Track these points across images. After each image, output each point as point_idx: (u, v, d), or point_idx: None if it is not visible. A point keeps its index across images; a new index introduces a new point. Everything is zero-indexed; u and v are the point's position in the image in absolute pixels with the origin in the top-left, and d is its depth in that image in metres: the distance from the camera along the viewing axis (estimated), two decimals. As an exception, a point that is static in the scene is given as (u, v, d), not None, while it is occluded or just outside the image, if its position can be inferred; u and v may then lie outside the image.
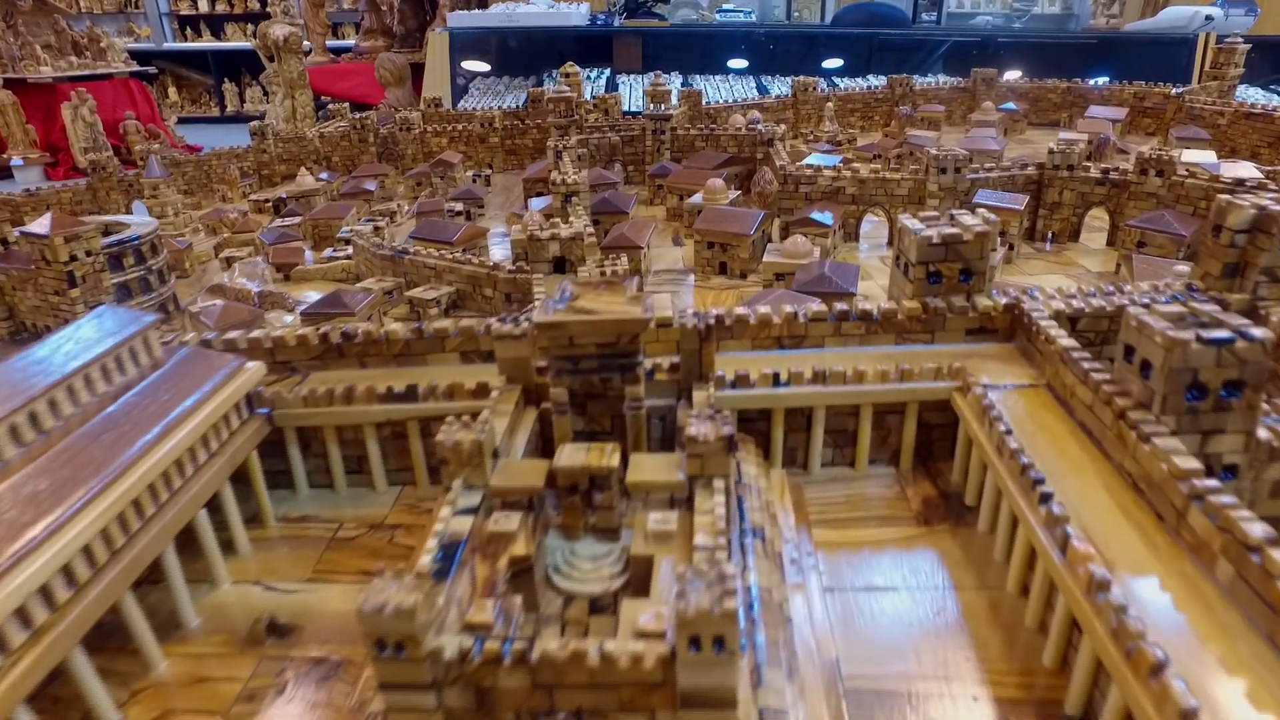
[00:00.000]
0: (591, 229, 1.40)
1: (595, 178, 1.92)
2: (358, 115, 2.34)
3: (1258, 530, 0.51)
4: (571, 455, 0.58)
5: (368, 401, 0.77)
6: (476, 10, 3.90)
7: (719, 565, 0.42)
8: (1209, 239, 0.90)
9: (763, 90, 3.83)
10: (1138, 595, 0.54)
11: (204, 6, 6.07)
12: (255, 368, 0.76)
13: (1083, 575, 0.53)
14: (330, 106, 2.58)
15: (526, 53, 4.03)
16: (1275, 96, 3.59)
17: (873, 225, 1.73)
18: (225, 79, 5.99)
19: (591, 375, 0.62)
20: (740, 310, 0.87)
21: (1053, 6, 7.36)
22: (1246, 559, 0.51)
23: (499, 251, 1.73)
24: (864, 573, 0.69)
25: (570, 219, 1.24)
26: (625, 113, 2.29)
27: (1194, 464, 0.58)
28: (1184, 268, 1.26)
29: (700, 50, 4.28)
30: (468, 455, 0.57)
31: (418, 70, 3.88)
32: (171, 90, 5.99)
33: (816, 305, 0.86)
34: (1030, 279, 1.52)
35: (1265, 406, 0.71)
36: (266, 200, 2.19)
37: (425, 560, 0.52)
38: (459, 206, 1.87)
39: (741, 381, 0.78)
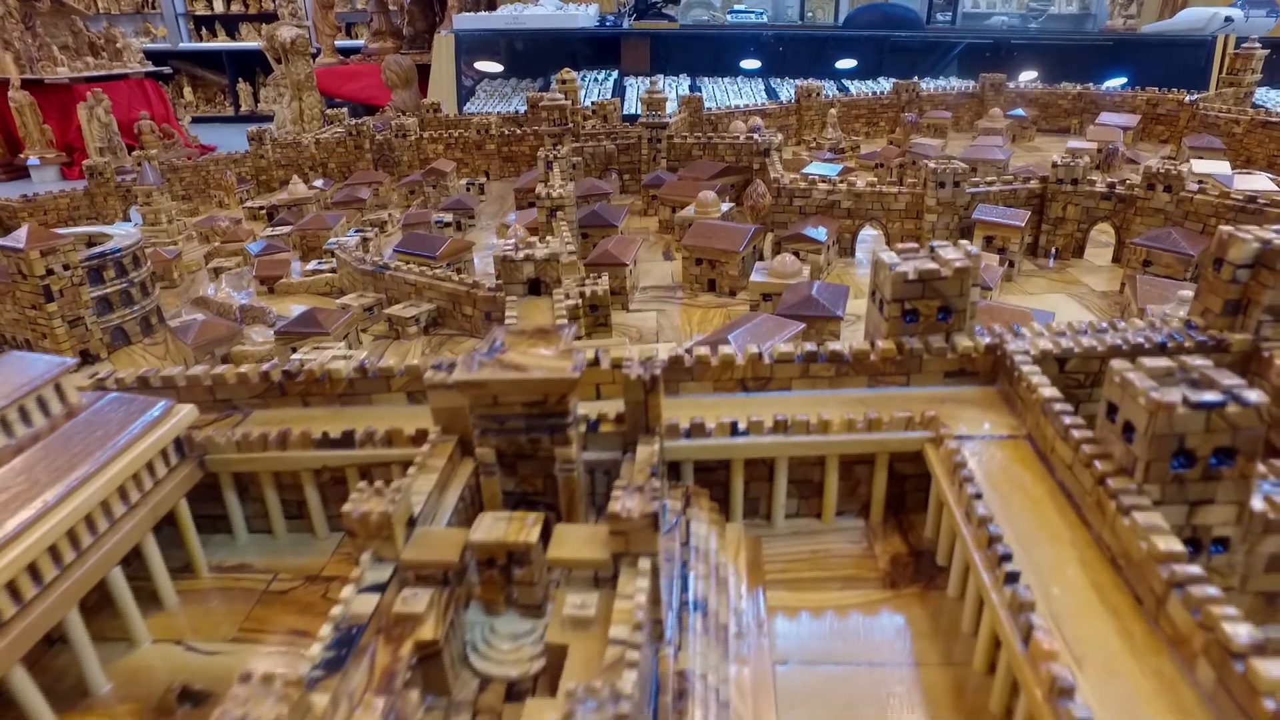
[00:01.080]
0: (572, 246, 1.35)
1: (587, 188, 1.86)
2: (354, 121, 2.30)
3: (1243, 634, 0.45)
4: (489, 528, 0.53)
5: (303, 447, 0.73)
6: (483, 12, 3.84)
7: (614, 684, 0.37)
8: (1209, 272, 0.83)
9: (771, 93, 3.76)
10: (1107, 696, 0.48)
11: (219, 7, 6.05)
12: (186, 411, 0.71)
13: (1045, 676, 0.47)
14: (328, 112, 2.54)
15: (533, 55, 3.98)
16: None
17: (872, 238, 1.66)
18: (240, 79, 5.98)
19: (519, 435, 0.57)
20: (702, 350, 0.81)
21: (1069, 7, 7.21)
22: (1229, 666, 0.45)
23: (485, 265, 1.68)
24: (820, 644, 0.64)
25: (549, 237, 1.19)
26: (628, 117, 2.23)
27: (1176, 546, 0.52)
28: (1188, 292, 1.19)
29: (709, 52, 4.21)
30: (376, 528, 0.51)
31: (426, 72, 3.84)
32: (187, 90, 5.98)
33: (785, 345, 0.80)
34: (1031, 298, 1.45)
35: (1262, 469, 0.64)
36: (261, 207, 2.16)
37: (316, 649, 0.47)
38: (448, 217, 1.83)
39: (697, 430, 0.72)
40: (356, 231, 1.75)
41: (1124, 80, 3.82)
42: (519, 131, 2.28)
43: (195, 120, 5.38)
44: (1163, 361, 0.59)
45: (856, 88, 3.86)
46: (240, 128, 3.07)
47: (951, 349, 0.77)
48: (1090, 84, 3.80)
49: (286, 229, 1.87)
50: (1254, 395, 0.55)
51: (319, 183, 2.15)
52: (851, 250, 1.61)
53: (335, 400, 0.80)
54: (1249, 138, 2.21)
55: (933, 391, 0.79)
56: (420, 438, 0.71)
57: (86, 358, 1.39)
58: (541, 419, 0.56)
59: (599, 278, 1.32)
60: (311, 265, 1.70)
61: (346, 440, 0.72)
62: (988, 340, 0.77)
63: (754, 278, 1.32)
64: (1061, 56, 4.10)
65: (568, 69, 2.11)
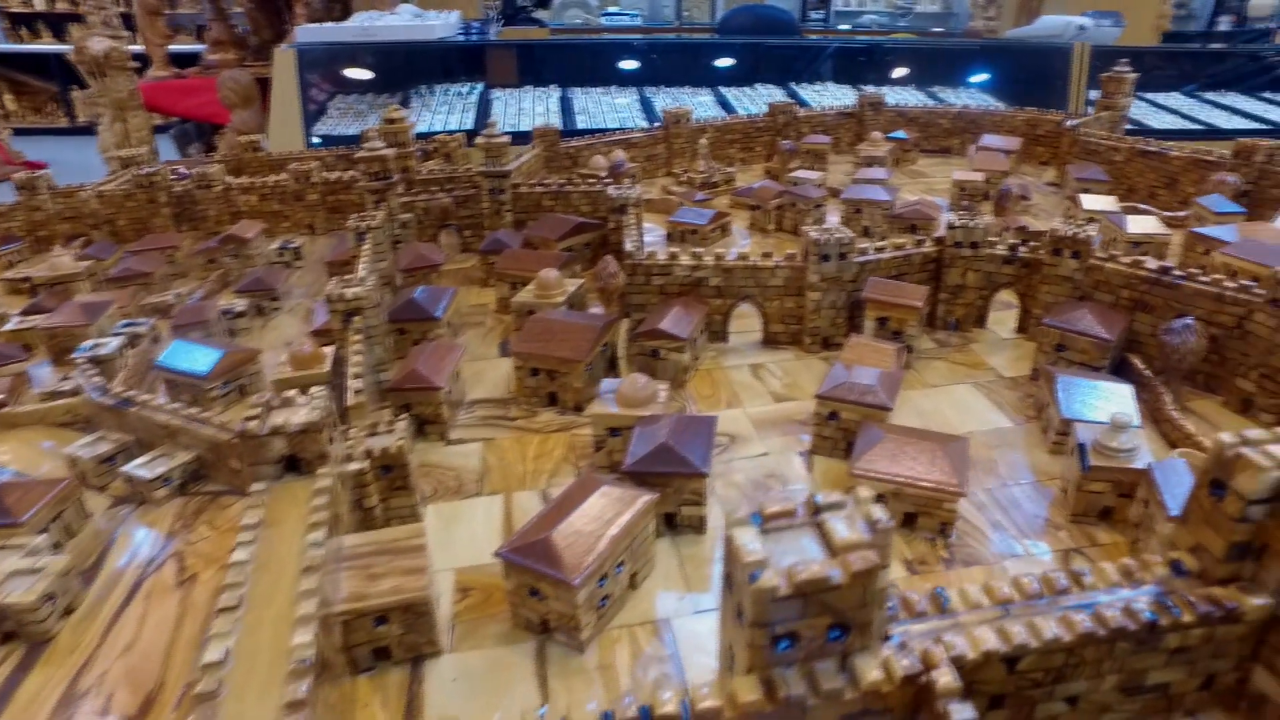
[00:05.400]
0: (360, 385, 0.99)
1: (412, 259, 1.49)
2: (145, 171, 1.84)
3: None
4: None
5: None
6: (329, 24, 3.36)
7: None
8: (1204, 498, 0.56)
9: (646, 104, 3.44)
10: None
11: (40, 4, 5.23)
12: None
13: None
14: (116, 155, 2.06)
15: (390, 69, 3.51)
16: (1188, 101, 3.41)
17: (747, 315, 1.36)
18: (75, 85, 5.21)
19: None
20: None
21: (933, 5, 7.17)
22: None
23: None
24: None
25: (303, 398, 0.83)
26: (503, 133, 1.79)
27: None
28: (1122, 413, 0.93)
29: (581, 61, 3.84)
30: None
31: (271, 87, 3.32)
32: (7, 98, 5.16)
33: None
34: (933, 392, 1.19)
35: None
36: (25, 280, 1.69)
37: None
38: (241, 305, 1.42)
39: None
40: (125, 326, 1.32)
41: (986, 76, 3.68)
42: (345, 178, 1.87)
43: (18, 132, 4.63)
44: None
45: (733, 94, 3.59)
46: (81, 141, 2.54)
47: (852, 685, 0.46)
48: (960, 87, 3.65)
49: (35, 320, 1.43)
50: None
51: (90, 250, 1.69)
52: (724, 334, 1.31)
53: None
54: (1129, 166, 2.02)
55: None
56: None
57: None
58: None
59: (398, 416, 0.97)
60: (55, 381, 1.28)
61: None
62: (906, 663, 0.47)
63: (598, 405, 1.00)
64: (931, 59, 3.94)
65: (395, 107, 1.72)
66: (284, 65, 3.09)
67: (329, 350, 1.17)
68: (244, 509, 0.78)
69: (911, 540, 0.89)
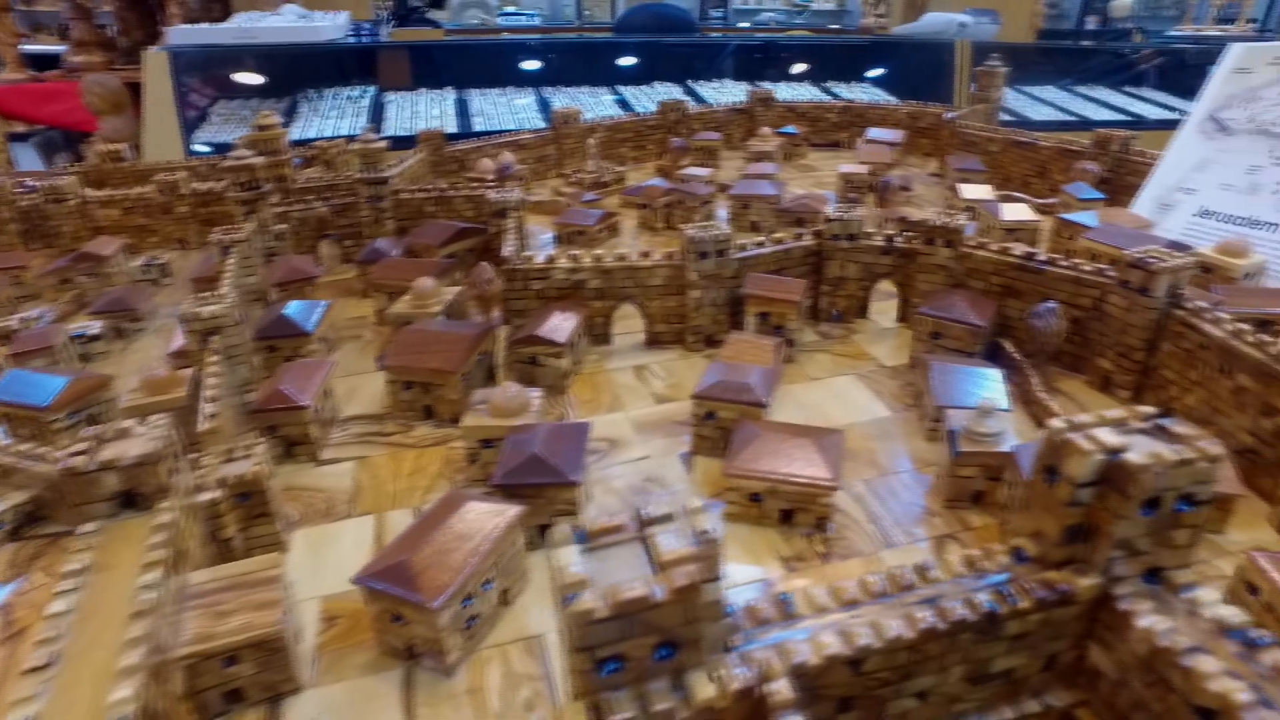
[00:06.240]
0: (213, 408, 0.93)
1: (286, 272, 1.42)
2: (-13, 184, 1.69)
3: None
4: None
5: None
6: (205, 25, 3.18)
7: None
8: (1040, 483, 0.56)
9: (545, 105, 3.39)
10: None
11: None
12: None
13: None
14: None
15: (275, 72, 3.36)
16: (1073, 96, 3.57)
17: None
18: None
19: None
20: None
21: (829, 3, 7.35)
22: None
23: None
24: None
25: (138, 428, 0.76)
26: (388, 138, 1.70)
27: None
28: (991, 400, 0.95)
29: (477, 63, 3.76)
30: None
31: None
32: None
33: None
34: (815, 384, 1.19)
35: None
36: None
37: None
38: (96, 327, 1.32)
39: None
40: (-42, 355, 1.21)
41: (879, 71, 3.79)
42: (217, 188, 1.77)
43: None
44: None
45: (633, 93, 3.58)
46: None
47: (685, 704, 0.44)
48: (854, 82, 3.73)
49: None
50: None
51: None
52: (607, 337, 1.29)
53: None
54: (1004, 156, 2.10)
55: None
56: None
57: None
58: None
59: (261, 439, 0.91)
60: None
61: None
62: (742, 677, 0.46)
63: (470, 416, 0.96)
64: (826, 56, 4.03)
65: (267, 113, 1.63)
66: (156, 68, 2.92)
67: (187, 373, 1.10)
68: (69, 554, 0.71)
69: (790, 537, 0.89)
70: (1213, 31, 5.14)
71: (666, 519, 0.45)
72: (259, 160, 1.48)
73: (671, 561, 0.42)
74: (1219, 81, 1.63)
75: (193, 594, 0.75)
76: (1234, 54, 1.63)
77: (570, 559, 0.43)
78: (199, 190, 1.76)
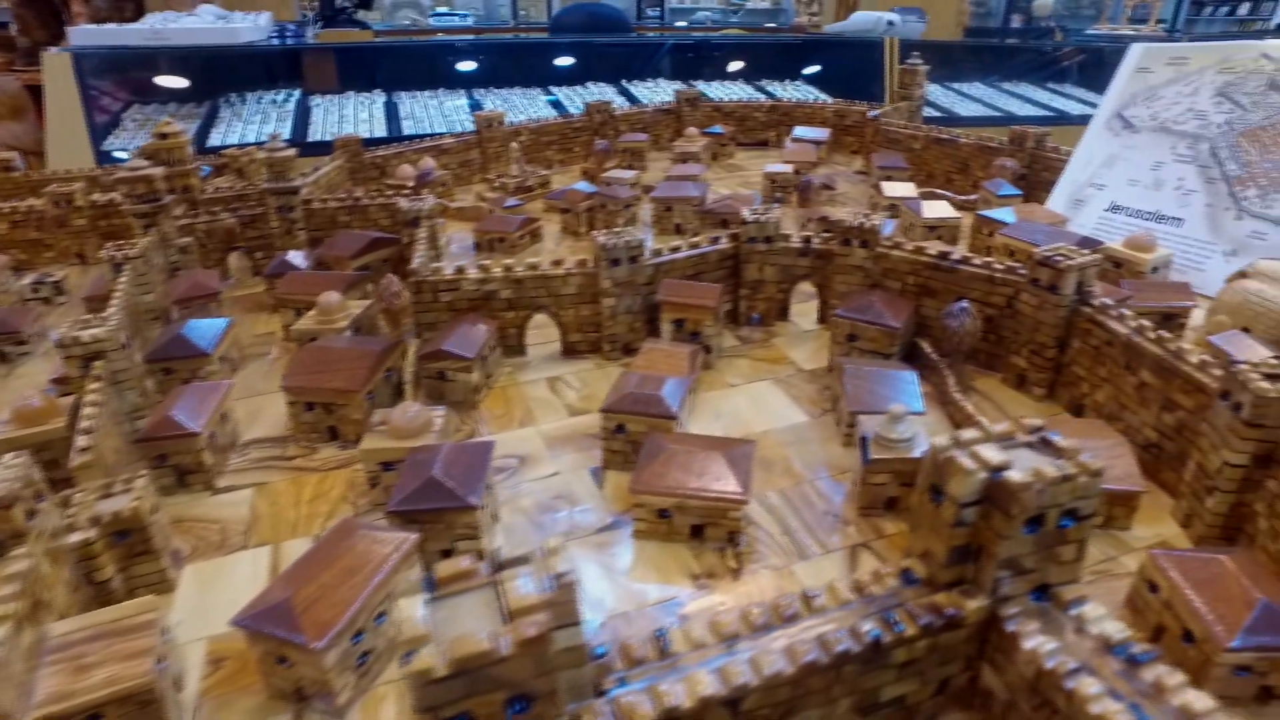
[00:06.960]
0: (87, 442, 0.86)
1: (188, 288, 1.35)
2: None
3: None
4: None
5: None
6: (112, 25, 3.04)
7: None
8: (926, 501, 0.55)
9: (478, 108, 3.32)
10: None
11: None
12: None
13: None
14: None
15: (192, 76, 3.23)
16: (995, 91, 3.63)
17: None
18: None
19: None
20: None
21: (764, 2, 7.39)
22: None
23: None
24: None
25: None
26: (313, 144, 1.65)
27: None
28: (900, 405, 0.94)
29: (408, 65, 3.67)
30: None
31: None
32: None
33: None
34: (732, 391, 1.17)
35: None
36: None
37: None
38: (-27, 350, 1.23)
39: None
40: None
41: (812, 69, 3.81)
42: (118, 199, 1.68)
43: None
44: None
45: (566, 94, 3.54)
46: None
47: (546, 762, 0.41)
48: (787, 80, 3.75)
49: None
50: None
51: None
52: (521, 348, 1.25)
53: None
54: (927, 153, 2.12)
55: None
56: None
57: None
58: None
59: (140, 473, 0.85)
60: None
61: None
62: (609, 727, 0.43)
63: (370, 438, 0.91)
64: (761, 54, 4.04)
65: (167, 120, 1.54)
66: (58, 71, 2.77)
67: (68, 401, 1.02)
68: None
69: (700, 553, 0.86)
70: (1126, 31, 5.31)
71: (521, 562, 0.42)
72: (157, 171, 1.40)
73: (521, 610, 0.39)
74: (1123, 80, 1.66)
75: (52, 648, 0.69)
76: (1136, 54, 1.67)
77: (415, 610, 0.39)
78: (98, 202, 1.67)
